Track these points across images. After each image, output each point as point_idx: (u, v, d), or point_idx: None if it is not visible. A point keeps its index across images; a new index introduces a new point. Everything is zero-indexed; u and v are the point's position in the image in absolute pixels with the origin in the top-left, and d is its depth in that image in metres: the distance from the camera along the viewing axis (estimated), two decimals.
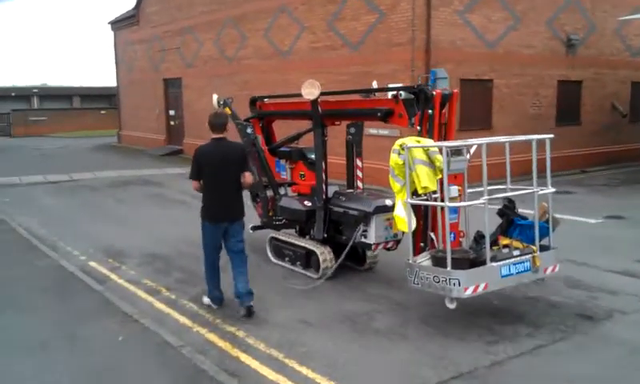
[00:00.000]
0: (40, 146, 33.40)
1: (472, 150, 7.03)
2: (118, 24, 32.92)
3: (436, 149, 6.41)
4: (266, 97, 10.25)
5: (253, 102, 10.17)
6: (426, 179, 6.33)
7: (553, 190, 6.96)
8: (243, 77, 22.47)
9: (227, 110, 9.33)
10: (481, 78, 17.77)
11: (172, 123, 28.70)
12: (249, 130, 9.42)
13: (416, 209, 6.80)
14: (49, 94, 54.11)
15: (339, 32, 18.50)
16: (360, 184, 9.03)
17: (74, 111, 49.27)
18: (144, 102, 30.30)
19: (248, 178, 7.23)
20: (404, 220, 6.56)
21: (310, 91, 7.97)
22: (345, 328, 6.83)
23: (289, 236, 9.17)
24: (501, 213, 7.10)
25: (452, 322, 6.74)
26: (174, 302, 7.82)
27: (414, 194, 6.58)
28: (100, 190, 17.67)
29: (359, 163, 9.01)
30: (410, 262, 6.55)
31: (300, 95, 8.29)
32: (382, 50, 17.15)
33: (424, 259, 6.64)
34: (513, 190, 7.02)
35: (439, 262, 6.32)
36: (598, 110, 20.94)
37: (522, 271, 6.50)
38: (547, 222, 6.87)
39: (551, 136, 7.07)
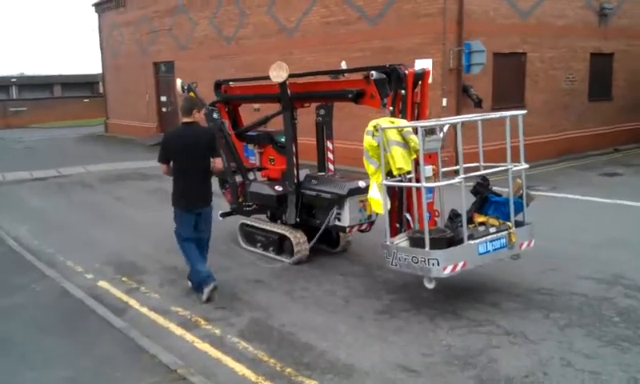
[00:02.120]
0: (21, 138, 30.95)
1: (445, 129, 6.90)
2: (102, 6, 30.37)
3: (410, 129, 6.29)
4: (230, 80, 9.78)
5: (217, 85, 9.64)
6: (400, 160, 6.22)
7: (526, 165, 6.77)
8: (244, 58, 20.40)
9: (191, 94, 8.91)
10: (514, 52, 15.97)
11: (164, 110, 26.51)
12: (215, 115, 9.06)
13: (390, 190, 6.67)
14: (28, 84, 51.07)
15: (355, 4, 16.54)
16: (331, 166, 8.79)
17: (55, 100, 46.46)
18: (132, 88, 28.02)
19: (218, 163, 7.05)
20: (379, 202, 6.45)
21: (278, 74, 7.73)
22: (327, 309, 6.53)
23: (260, 221, 8.92)
24: (475, 190, 6.97)
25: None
26: (219, 340, 5.94)
27: (389, 175, 6.43)
28: (94, 186, 15.61)
29: (330, 145, 8.77)
30: (387, 243, 6.42)
31: (267, 78, 8.00)
32: (407, 23, 15.24)
33: (401, 240, 6.51)
34: (486, 167, 6.89)
35: (417, 242, 6.22)
36: (630, 84, 19.26)
37: (498, 248, 6.42)
38: (521, 197, 6.73)
39: (524, 112, 6.94)
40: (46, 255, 9.19)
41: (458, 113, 14.78)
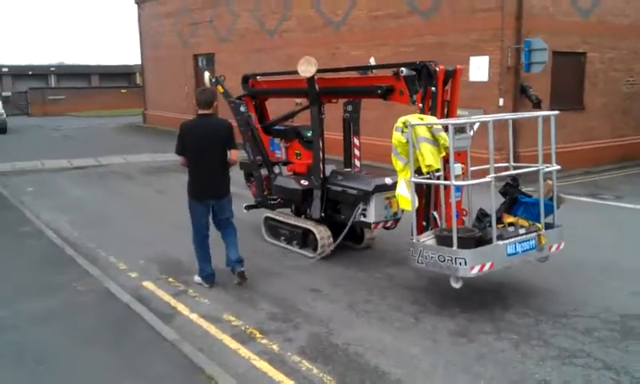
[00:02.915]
0: (60, 125, 30.88)
1: (475, 127, 6.78)
2: None
3: (440, 126, 6.15)
4: (258, 74, 9.67)
5: (245, 79, 9.55)
6: (430, 157, 6.10)
7: (558, 167, 6.64)
8: (286, 51, 19.76)
9: (219, 88, 9.03)
10: (573, 51, 15.05)
11: None
12: (242, 109, 8.98)
13: (417, 188, 6.52)
14: (66, 73, 51.41)
15: None
16: (357, 162, 8.74)
17: (93, 90, 46.64)
18: (172, 79, 27.64)
19: (234, 155, 6.96)
20: (407, 199, 6.33)
21: (307, 69, 7.66)
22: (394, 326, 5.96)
23: (285, 215, 8.85)
24: (504, 191, 6.84)
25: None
26: (279, 358, 5.28)
27: (417, 172, 6.29)
28: (134, 177, 15.15)
29: (356, 141, 8.72)
30: (414, 241, 6.32)
31: (295, 72, 7.95)
32: (462, 18, 14.43)
33: (428, 238, 6.39)
34: (517, 167, 6.86)
35: (444, 240, 6.08)
36: None
37: (527, 249, 6.28)
38: (552, 199, 6.62)
39: (556, 112, 6.77)
40: (87, 250, 8.68)
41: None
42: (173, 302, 6.68)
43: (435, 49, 14.80)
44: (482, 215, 6.74)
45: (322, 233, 8.05)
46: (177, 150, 6.97)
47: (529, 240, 6.28)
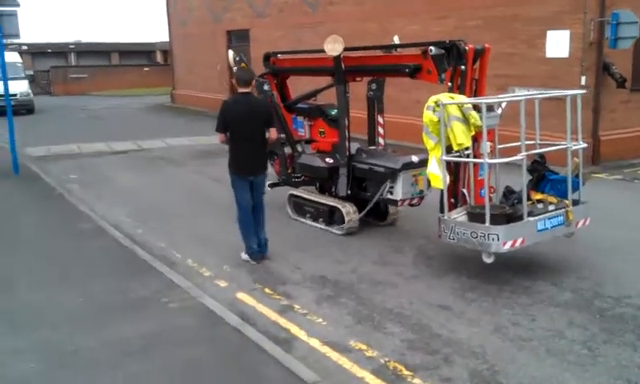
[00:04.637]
0: (86, 105, 29.77)
1: (503, 106, 6.81)
2: None
3: (470, 105, 6.24)
4: (280, 52, 9.74)
5: (267, 57, 9.59)
6: (461, 136, 6.13)
7: (585, 145, 6.82)
8: (331, 26, 18.36)
9: (243, 65, 8.60)
10: None
11: None
12: (265, 87, 9.09)
13: (446, 166, 6.47)
14: (86, 50, 50.09)
15: None
16: (381, 141, 8.77)
17: (116, 68, 45.34)
18: (202, 57, 26.39)
19: (273, 133, 7.13)
20: (439, 177, 6.39)
21: (333, 47, 7.66)
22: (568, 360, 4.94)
23: (310, 193, 8.84)
24: (532, 168, 6.78)
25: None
26: None
27: (447, 150, 6.33)
28: (182, 163, 14.04)
29: (380, 120, 8.75)
30: (445, 217, 6.41)
31: (319, 51, 8.10)
32: None
33: (459, 215, 6.50)
34: (544, 146, 6.89)
35: (476, 217, 6.21)
36: None
37: (556, 225, 6.37)
38: (578, 176, 6.70)
39: (583, 91, 6.93)
40: (159, 250, 7.64)
41: (596, 93, 12.78)
42: (282, 321, 5.59)
43: (506, 22, 13.57)
44: (509, 192, 6.88)
45: (348, 210, 8.03)
46: (218, 127, 6.95)
47: (557, 216, 6.38)
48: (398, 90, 15.79)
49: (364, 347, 5.07)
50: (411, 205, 7.96)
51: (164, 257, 7.37)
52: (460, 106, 6.19)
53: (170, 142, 17.11)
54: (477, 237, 6.03)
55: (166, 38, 30.64)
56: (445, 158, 6.30)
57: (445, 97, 6.33)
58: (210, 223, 8.84)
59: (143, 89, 38.34)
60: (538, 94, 6.62)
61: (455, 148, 6.25)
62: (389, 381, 4.55)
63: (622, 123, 13.33)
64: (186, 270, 6.94)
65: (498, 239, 5.90)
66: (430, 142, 6.46)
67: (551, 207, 6.44)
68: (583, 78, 12.57)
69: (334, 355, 4.94)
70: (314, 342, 5.17)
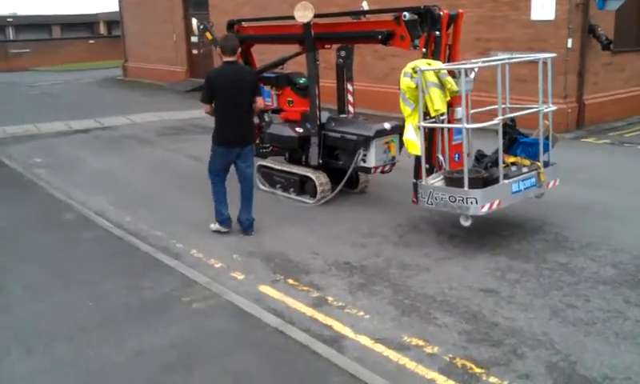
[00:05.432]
0: (34, 82, 27.98)
1: (476, 70, 6.70)
2: None
3: (446, 71, 6.26)
4: (244, 20, 9.43)
5: (230, 25, 9.19)
6: (439, 102, 6.16)
7: (555, 107, 6.96)
8: None
9: (207, 34, 9.05)
10: None
11: (195, 52, 23.82)
12: None
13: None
14: (25, 24, 47.34)
15: None
16: (351, 109, 8.63)
17: (59, 42, 42.83)
18: (157, 28, 25.09)
19: (260, 102, 7.00)
20: (416, 143, 6.42)
21: (304, 14, 7.53)
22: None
23: (280, 163, 8.70)
24: (503, 131, 6.65)
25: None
26: None
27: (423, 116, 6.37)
28: (154, 142, 13.17)
29: (350, 87, 8.61)
30: (423, 183, 6.50)
31: (287, 18, 8.04)
32: None
33: (437, 180, 6.61)
34: (515, 109, 7.09)
35: (454, 182, 6.32)
36: None
37: (528, 187, 6.57)
38: (547, 138, 6.87)
39: (553, 55, 7.02)
40: (157, 240, 6.97)
41: (582, 57, 12.55)
42: (319, 316, 5.07)
43: None
44: (481, 156, 7.01)
45: (320, 179, 8.00)
46: (203, 98, 6.76)
47: (530, 178, 6.56)
48: (372, 58, 15.33)
49: (421, 343, 4.61)
50: (383, 172, 7.89)
51: (165, 248, 6.71)
52: (437, 72, 6.19)
53: (133, 118, 16.09)
54: (455, 201, 6.15)
55: (110, 8, 29.09)
56: (422, 124, 6.32)
57: (422, 63, 6.29)
58: (201, 206, 8.07)
59: (90, 62, 36.40)
60: (511, 58, 6.73)
61: (432, 114, 6.27)
62: (462, 381, 4.10)
63: (604, 86, 13.20)
64: (195, 262, 6.31)
65: (477, 202, 6.03)
66: (406, 109, 6.44)
67: (525, 169, 6.63)
68: (570, 41, 12.32)
69: (392, 354, 4.45)
70: (365, 340, 4.67)
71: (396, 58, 15.05)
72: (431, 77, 6.19)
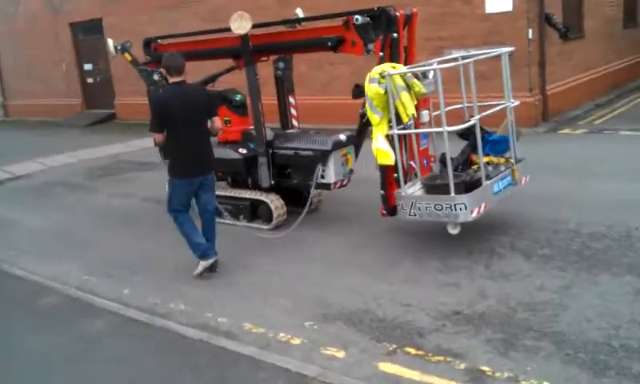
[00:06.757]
0: None
1: (438, 72, 6.07)
2: None
3: (410, 74, 5.93)
4: (160, 37, 8.72)
5: (147, 43, 8.63)
6: (410, 106, 5.85)
7: (517, 102, 6.68)
8: (212, 5, 16.18)
9: (127, 55, 8.51)
10: None
11: (90, 81, 21.35)
12: (156, 77, 8.08)
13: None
14: None
15: None
16: (295, 123, 8.10)
17: None
18: (41, 58, 22.23)
19: (217, 122, 6.29)
20: (387, 152, 6.03)
21: (241, 25, 6.97)
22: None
23: (224, 189, 7.97)
24: (467, 132, 6.37)
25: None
26: None
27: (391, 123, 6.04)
28: (88, 186, 11.04)
29: (292, 101, 8.08)
30: (402, 193, 6.06)
31: (217, 31, 7.74)
32: None
33: (416, 189, 6.26)
34: (481, 108, 6.35)
35: (437, 189, 6.03)
36: None
37: (506, 186, 6.32)
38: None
39: (511, 49, 6.72)
40: (189, 317, 5.33)
41: (541, 47, 12.12)
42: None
43: None
44: (445, 160, 6.45)
45: (275, 203, 7.37)
46: (153, 127, 5.95)
47: (506, 176, 6.30)
48: (307, 67, 14.07)
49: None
50: (342, 186, 7.35)
51: (207, 326, 5.07)
52: (403, 76, 5.89)
53: (45, 162, 13.67)
54: (442, 209, 5.77)
55: None
56: (397, 131, 5.96)
57: (388, 67, 5.91)
58: (182, 257, 6.45)
59: None
60: (477, 54, 6.42)
61: (405, 119, 5.92)
62: None
63: (559, 76, 12.90)
64: (265, 343, 4.74)
65: (466, 208, 5.66)
66: (374, 117, 6.04)
67: (502, 168, 6.36)
68: (530, 32, 11.84)
69: None
70: None
71: (335, 67, 14.03)
72: (399, 81, 5.86)
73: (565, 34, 12.12)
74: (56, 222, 8.87)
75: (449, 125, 5.76)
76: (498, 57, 6.51)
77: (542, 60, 12.17)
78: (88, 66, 21.15)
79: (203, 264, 6.06)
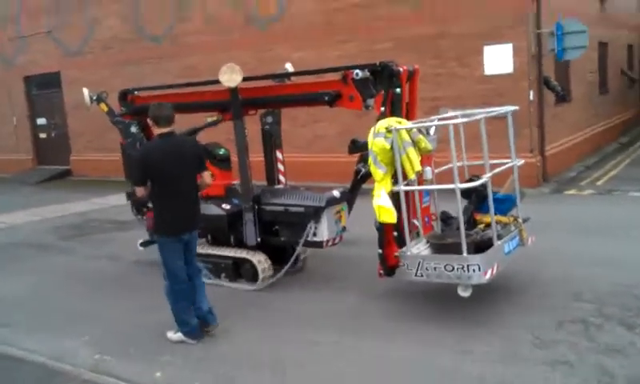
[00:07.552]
0: None
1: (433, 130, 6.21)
2: None
3: (416, 130, 5.74)
4: (138, 89, 8.36)
5: (123, 95, 8.29)
6: (417, 162, 5.67)
7: (522, 161, 6.54)
8: (184, 60, 15.41)
9: (103, 106, 8.20)
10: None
11: (42, 136, 19.92)
12: (133, 129, 7.92)
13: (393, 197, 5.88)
14: None
15: None
16: (282, 179, 7.92)
17: None
18: None
19: (207, 177, 5.88)
20: (390, 210, 5.74)
21: (231, 78, 6.72)
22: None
23: (205, 247, 7.48)
24: (468, 190, 6.16)
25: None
26: None
27: (395, 179, 5.83)
28: (62, 248, 9.68)
29: (279, 155, 7.92)
30: (408, 253, 5.77)
31: (206, 83, 7.51)
32: (469, 1, 11.92)
33: (422, 248, 5.95)
34: (492, 166, 6.07)
35: (447, 248, 5.66)
36: (616, 76, 18.16)
37: (515, 246, 6.08)
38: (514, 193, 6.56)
39: (515, 108, 6.46)
40: None
41: (540, 109, 11.94)
42: None
43: (425, 42, 12.11)
44: (447, 218, 6.58)
45: (262, 262, 6.99)
46: (136, 180, 5.67)
47: (515, 237, 6.11)
48: (290, 125, 13.40)
49: None
50: (333, 244, 7.05)
51: None
52: (409, 131, 5.72)
53: (5, 220, 12.26)
54: (453, 269, 5.43)
55: None
56: (403, 188, 5.77)
57: (394, 122, 5.72)
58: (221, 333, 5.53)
59: None
60: (481, 113, 6.01)
61: (411, 176, 5.74)
62: None
63: (554, 137, 12.74)
64: None
65: (479, 269, 5.34)
66: (378, 173, 5.82)
67: (512, 228, 6.17)
68: (531, 93, 11.64)
69: None
70: None
71: (319, 125, 13.46)
72: (406, 136, 5.67)
73: (563, 97, 12.00)
74: (36, 289, 7.57)
75: (445, 184, 5.52)
76: (497, 117, 6.30)
77: (541, 121, 11.97)
78: (41, 121, 19.78)
79: (182, 337, 5.60)
